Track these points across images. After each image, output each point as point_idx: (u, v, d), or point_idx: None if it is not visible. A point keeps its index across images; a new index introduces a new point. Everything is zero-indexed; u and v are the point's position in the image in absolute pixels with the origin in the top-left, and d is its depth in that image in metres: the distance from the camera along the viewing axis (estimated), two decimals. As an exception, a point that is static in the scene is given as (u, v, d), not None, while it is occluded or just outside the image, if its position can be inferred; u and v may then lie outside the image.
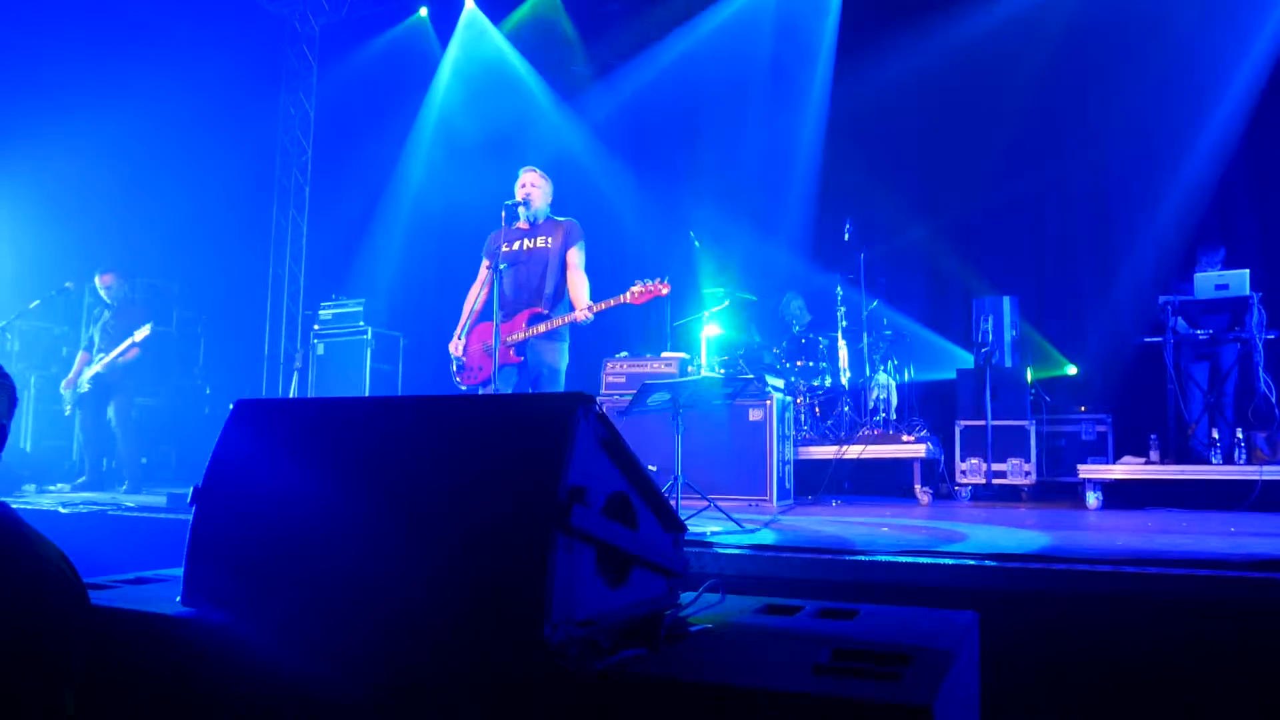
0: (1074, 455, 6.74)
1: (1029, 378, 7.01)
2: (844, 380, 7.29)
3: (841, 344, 7.29)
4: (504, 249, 5.02)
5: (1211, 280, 6.33)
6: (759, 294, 7.73)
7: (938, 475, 6.94)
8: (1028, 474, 6.56)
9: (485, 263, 5.21)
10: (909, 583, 2.91)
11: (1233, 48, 7.30)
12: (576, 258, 5.00)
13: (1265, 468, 5.78)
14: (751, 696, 1.45)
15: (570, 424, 1.71)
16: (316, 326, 9.01)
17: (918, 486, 6.57)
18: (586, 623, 1.70)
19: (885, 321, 7.43)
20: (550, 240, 5.00)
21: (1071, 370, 7.89)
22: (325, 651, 1.73)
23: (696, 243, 7.33)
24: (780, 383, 6.88)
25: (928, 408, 7.53)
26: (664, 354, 6.76)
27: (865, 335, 7.27)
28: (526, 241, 5.05)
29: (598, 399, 6.74)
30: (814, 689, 1.46)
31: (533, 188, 5.09)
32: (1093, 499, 5.99)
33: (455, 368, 5.13)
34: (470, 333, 5.09)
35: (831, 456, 6.70)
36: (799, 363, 7.16)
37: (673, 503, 4.49)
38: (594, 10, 9.41)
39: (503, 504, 1.72)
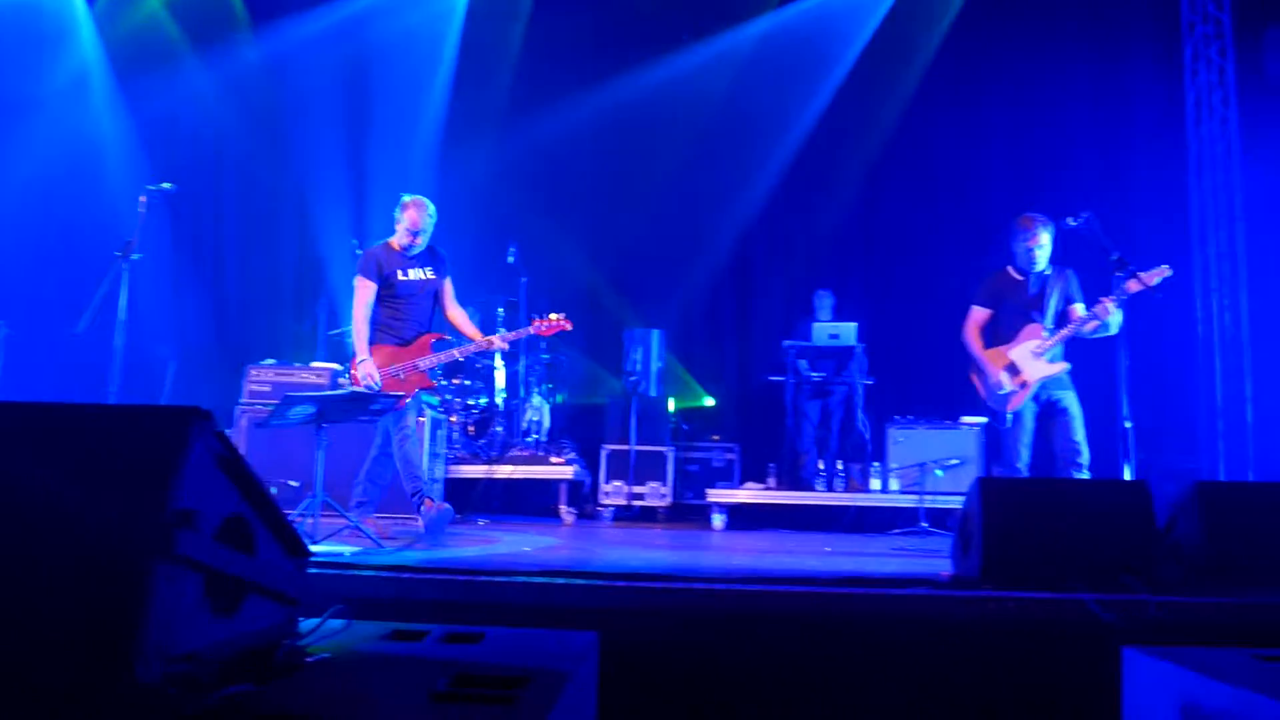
0: (706, 480, 7.29)
1: (671, 407, 7.52)
2: (499, 400, 7.37)
3: (499, 365, 7.36)
4: (399, 276, 5.00)
5: (827, 330, 7.20)
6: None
7: (584, 496, 7.21)
8: (664, 496, 7.02)
9: (368, 283, 4.98)
10: (542, 604, 2.99)
11: (859, 115, 8.36)
12: (451, 287, 5.21)
13: (858, 495, 6.71)
14: (362, 730, 1.41)
15: (181, 441, 1.58)
16: (-109, 309, 7.54)
17: (563, 507, 6.79)
18: (187, 657, 1.57)
19: (543, 345, 7.59)
20: (433, 271, 5.12)
21: (709, 402, 8.57)
22: None
23: (359, 250, 7.08)
24: (435, 399, 6.81)
25: (578, 431, 7.80)
26: (314, 364, 6.45)
27: (523, 358, 7.41)
28: (416, 270, 5.07)
29: (238, 408, 6.27)
30: (428, 719, 1.45)
31: (423, 218, 5.01)
32: (719, 520, 6.55)
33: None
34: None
35: (482, 475, 6.74)
36: (455, 380, 7.13)
37: (312, 521, 4.30)
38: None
39: (102, 528, 1.55)
